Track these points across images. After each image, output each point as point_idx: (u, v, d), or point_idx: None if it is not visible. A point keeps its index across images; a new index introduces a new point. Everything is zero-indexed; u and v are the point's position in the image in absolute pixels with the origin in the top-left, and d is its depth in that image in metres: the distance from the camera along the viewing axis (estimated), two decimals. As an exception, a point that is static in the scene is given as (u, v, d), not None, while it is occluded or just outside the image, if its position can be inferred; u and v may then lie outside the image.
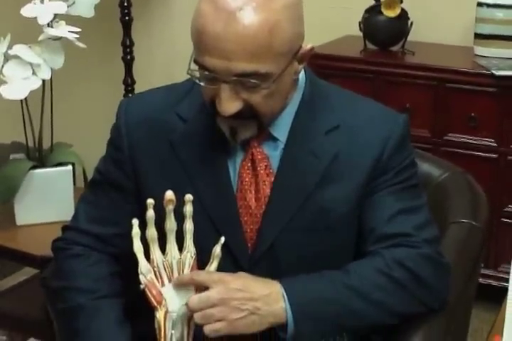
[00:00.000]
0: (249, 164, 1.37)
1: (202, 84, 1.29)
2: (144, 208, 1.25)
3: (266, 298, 1.24)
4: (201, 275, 1.24)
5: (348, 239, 1.40)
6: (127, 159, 1.41)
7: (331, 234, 1.38)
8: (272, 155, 1.38)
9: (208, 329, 1.20)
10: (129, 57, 2.70)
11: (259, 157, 1.37)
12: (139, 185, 1.41)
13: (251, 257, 1.36)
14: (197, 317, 1.20)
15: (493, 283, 2.41)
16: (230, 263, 1.33)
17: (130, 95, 2.69)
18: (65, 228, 1.49)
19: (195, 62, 1.26)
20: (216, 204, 1.36)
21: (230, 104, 1.26)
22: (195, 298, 1.21)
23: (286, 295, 1.26)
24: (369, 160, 1.36)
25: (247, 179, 1.37)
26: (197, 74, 1.28)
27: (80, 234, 1.44)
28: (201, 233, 1.28)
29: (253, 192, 1.37)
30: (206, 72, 1.25)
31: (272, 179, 1.37)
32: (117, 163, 1.43)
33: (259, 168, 1.37)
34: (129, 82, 2.72)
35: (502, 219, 2.53)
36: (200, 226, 1.28)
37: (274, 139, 1.38)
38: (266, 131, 1.37)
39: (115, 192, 1.43)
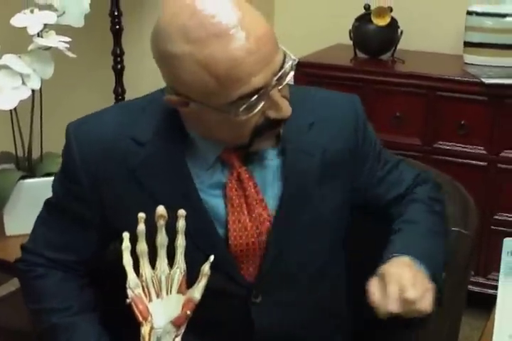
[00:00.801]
0: (236, 185, 1.34)
1: (251, 114, 1.20)
2: (120, 230, 1.21)
3: (418, 273, 1.26)
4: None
5: (340, 229, 1.44)
6: (87, 192, 1.35)
7: (328, 230, 1.40)
8: (264, 167, 1.35)
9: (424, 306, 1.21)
10: (119, 66, 2.70)
11: (247, 176, 1.34)
12: (104, 216, 1.35)
13: (259, 272, 1.36)
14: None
15: (484, 290, 2.42)
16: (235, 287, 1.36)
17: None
18: (24, 248, 1.45)
19: (233, 103, 1.18)
20: (198, 232, 1.31)
21: (287, 104, 1.24)
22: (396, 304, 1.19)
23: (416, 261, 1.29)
24: (349, 146, 1.41)
25: (237, 201, 1.34)
26: (243, 114, 1.20)
27: (38, 257, 1.42)
28: (192, 261, 1.23)
29: (246, 212, 1.34)
30: (253, 98, 1.18)
31: (260, 197, 1.34)
32: (76, 196, 1.36)
33: (248, 188, 1.34)
34: (119, 91, 2.72)
35: (492, 227, 2.54)
36: (190, 254, 1.23)
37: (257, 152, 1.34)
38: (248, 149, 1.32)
39: (75, 220, 1.38)
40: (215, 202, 1.34)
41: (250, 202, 1.34)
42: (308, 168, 1.36)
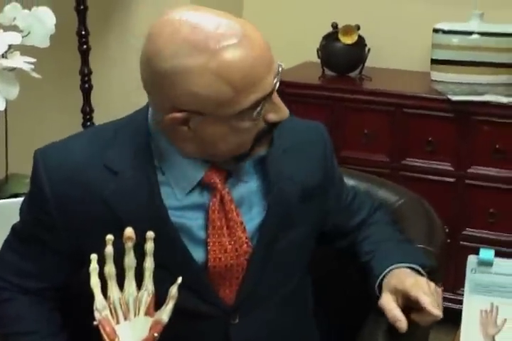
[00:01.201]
0: (218, 208, 1.33)
1: (261, 115, 1.22)
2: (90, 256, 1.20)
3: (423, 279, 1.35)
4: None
5: (309, 254, 1.46)
6: (56, 221, 1.32)
7: (300, 254, 1.43)
8: (244, 189, 1.35)
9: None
10: (87, 85, 2.69)
11: (229, 198, 1.33)
12: (73, 243, 1.33)
13: (237, 297, 1.37)
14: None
15: (453, 306, 2.41)
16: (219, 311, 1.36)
17: (88, 124, 2.68)
18: None
19: (244, 110, 1.19)
20: (172, 258, 1.30)
21: (284, 105, 1.25)
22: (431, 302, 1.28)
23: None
24: (320, 173, 1.43)
25: (219, 223, 1.33)
26: (255, 119, 1.22)
27: (3, 282, 1.39)
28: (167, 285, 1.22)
29: (226, 234, 1.33)
30: (261, 103, 1.20)
31: (240, 219, 1.34)
32: (45, 225, 1.33)
33: (230, 210, 1.33)
34: (87, 111, 2.70)
35: (460, 242, 2.56)
36: (164, 279, 1.21)
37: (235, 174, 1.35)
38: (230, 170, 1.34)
39: (44, 248, 1.35)
40: (193, 224, 1.33)
41: (232, 224, 1.33)
42: (290, 192, 1.37)
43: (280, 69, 1.23)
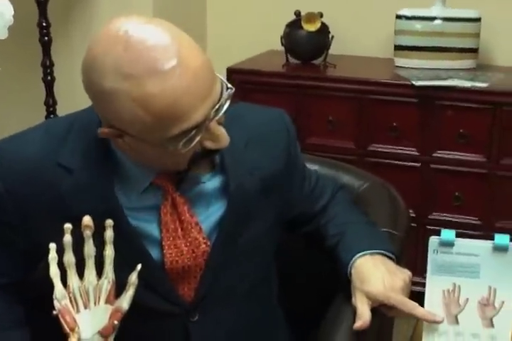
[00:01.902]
0: (170, 210, 1.31)
1: (189, 147, 1.18)
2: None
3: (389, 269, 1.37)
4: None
5: (272, 246, 1.44)
6: (12, 217, 1.29)
7: (262, 248, 1.41)
8: (200, 189, 1.33)
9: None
10: (49, 77, 2.66)
11: (181, 200, 1.31)
12: (31, 239, 1.30)
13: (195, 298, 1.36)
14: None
15: (422, 289, 2.43)
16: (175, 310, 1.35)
17: (52, 116, 2.65)
18: None
19: (171, 138, 1.16)
20: (131, 256, 1.26)
21: (225, 134, 1.21)
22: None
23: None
24: (283, 162, 1.41)
25: (172, 226, 1.31)
26: (182, 148, 1.18)
27: None
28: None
29: (181, 236, 1.32)
30: (192, 132, 1.16)
31: (195, 220, 1.32)
32: (3, 223, 1.30)
33: (183, 212, 1.31)
34: (50, 103, 2.68)
35: (427, 226, 2.57)
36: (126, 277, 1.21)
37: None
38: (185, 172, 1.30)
39: (2, 245, 1.32)
40: (148, 225, 1.31)
41: (185, 226, 1.32)
42: (249, 188, 1.35)
43: (227, 94, 1.19)
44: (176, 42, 1.14)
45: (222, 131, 1.21)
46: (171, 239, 1.31)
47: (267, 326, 1.49)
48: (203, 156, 1.24)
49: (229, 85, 1.20)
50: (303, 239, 1.56)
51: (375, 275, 1.34)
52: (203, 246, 1.33)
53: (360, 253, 1.39)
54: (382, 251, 1.40)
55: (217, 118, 1.18)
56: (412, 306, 1.31)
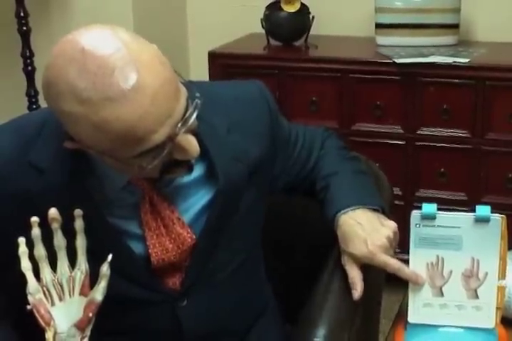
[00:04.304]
0: (149, 209, 1.29)
1: (155, 163, 1.15)
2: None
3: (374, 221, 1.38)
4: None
5: (259, 222, 1.45)
6: None
7: (249, 230, 1.41)
8: (181, 182, 1.31)
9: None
10: (29, 68, 2.65)
11: (159, 199, 1.29)
12: (6, 252, 1.23)
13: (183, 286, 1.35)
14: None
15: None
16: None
17: (34, 106, 2.64)
18: None
19: (135, 157, 1.14)
20: (114, 254, 1.22)
21: (194, 145, 1.18)
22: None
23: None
24: (268, 140, 1.40)
25: (154, 224, 1.30)
26: (147, 164, 1.15)
27: None
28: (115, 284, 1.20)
29: (165, 234, 1.30)
30: (155, 151, 1.13)
31: (177, 215, 1.31)
32: None
33: (163, 209, 1.30)
34: (32, 94, 2.67)
35: (414, 203, 2.57)
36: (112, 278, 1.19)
37: None
38: None
39: None
40: (128, 223, 1.30)
41: (167, 223, 1.30)
42: (236, 174, 1.34)
43: (194, 105, 1.15)
44: (134, 62, 1.09)
45: (190, 142, 1.17)
46: (155, 237, 1.30)
47: (256, 303, 1.50)
48: (175, 165, 1.21)
49: (197, 94, 1.17)
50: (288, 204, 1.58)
51: (358, 235, 1.35)
52: (189, 240, 1.32)
53: (342, 211, 1.39)
54: (364, 205, 1.39)
55: (184, 130, 1.15)
56: (395, 267, 1.32)
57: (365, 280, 1.35)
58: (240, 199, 1.36)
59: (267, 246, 1.51)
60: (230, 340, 1.45)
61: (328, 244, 1.44)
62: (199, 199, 1.34)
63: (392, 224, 1.37)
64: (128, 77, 1.08)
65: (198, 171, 1.32)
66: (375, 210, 1.40)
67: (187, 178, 1.31)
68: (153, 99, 1.10)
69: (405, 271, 1.31)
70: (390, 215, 1.45)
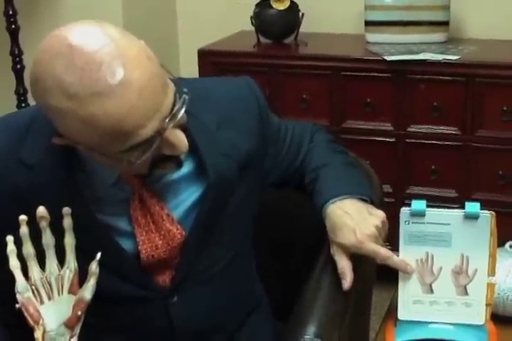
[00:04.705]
0: (139, 206, 1.29)
1: (144, 158, 1.15)
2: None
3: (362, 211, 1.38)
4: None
5: (250, 218, 1.44)
6: None
7: (240, 224, 1.40)
8: (170, 179, 1.30)
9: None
10: (18, 66, 2.64)
11: (149, 195, 1.29)
12: None
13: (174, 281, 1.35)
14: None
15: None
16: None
17: (23, 105, 2.63)
18: None
19: (124, 152, 1.14)
20: (102, 252, 1.20)
21: (183, 139, 1.18)
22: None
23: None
24: (257, 136, 1.39)
25: (143, 221, 1.30)
26: (136, 159, 1.15)
27: None
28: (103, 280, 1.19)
29: (154, 230, 1.30)
30: (143, 146, 1.14)
31: (166, 212, 1.31)
32: None
33: (152, 206, 1.30)
34: (21, 92, 2.66)
35: (405, 201, 2.57)
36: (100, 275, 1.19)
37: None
38: None
39: None
40: (117, 219, 1.30)
41: (156, 219, 1.30)
42: (226, 170, 1.33)
43: (182, 100, 1.16)
44: (122, 57, 1.09)
45: (179, 137, 1.18)
46: (144, 233, 1.30)
47: (247, 299, 1.49)
48: (165, 160, 1.21)
49: (184, 90, 1.17)
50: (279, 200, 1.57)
51: (346, 225, 1.35)
52: (178, 236, 1.32)
53: (330, 201, 1.39)
54: (352, 195, 1.39)
55: (172, 125, 1.15)
56: (384, 255, 1.32)
57: (354, 270, 1.35)
58: (231, 195, 1.35)
59: (260, 243, 1.51)
60: (222, 337, 1.44)
61: (321, 238, 1.44)
62: (189, 196, 1.33)
63: (380, 214, 1.37)
64: (115, 72, 1.08)
65: (187, 167, 1.32)
66: (363, 200, 1.40)
67: (177, 174, 1.31)
68: (140, 94, 1.10)
69: (394, 259, 1.31)
70: (379, 208, 1.45)
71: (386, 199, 1.72)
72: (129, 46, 1.12)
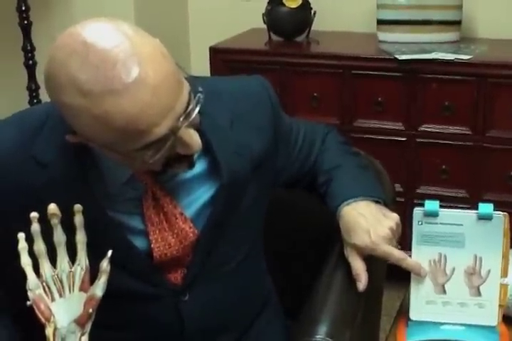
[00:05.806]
0: (152, 204, 1.29)
1: (158, 156, 1.16)
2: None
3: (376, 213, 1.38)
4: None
5: (261, 216, 1.45)
6: None
7: (251, 224, 1.41)
8: (183, 177, 1.31)
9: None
10: (31, 62, 2.64)
11: (162, 193, 1.29)
12: (7, 247, 1.21)
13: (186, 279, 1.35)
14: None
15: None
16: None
17: (35, 101, 2.64)
18: None
19: (138, 150, 1.14)
20: (114, 249, 1.19)
21: (196, 139, 1.18)
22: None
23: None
24: (270, 135, 1.40)
25: (156, 219, 1.30)
26: (150, 158, 1.16)
27: None
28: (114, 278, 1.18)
29: (167, 228, 1.30)
30: (157, 144, 1.13)
31: (179, 210, 1.31)
32: None
33: (165, 205, 1.30)
34: (33, 88, 2.66)
35: (415, 200, 2.57)
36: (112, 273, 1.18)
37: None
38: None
39: None
40: (130, 218, 1.30)
41: (170, 218, 1.30)
42: (239, 169, 1.33)
43: (197, 99, 1.16)
44: (136, 55, 1.09)
45: (193, 137, 1.18)
46: (157, 232, 1.30)
47: (257, 297, 1.50)
48: (178, 159, 1.21)
49: (199, 89, 1.18)
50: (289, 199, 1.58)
51: (361, 226, 1.35)
52: (191, 235, 1.32)
53: (345, 202, 1.39)
54: (366, 197, 1.40)
55: (186, 124, 1.15)
56: (398, 257, 1.32)
57: (368, 271, 1.35)
58: (243, 193, 1.35)
59: (269, 241, 1.51)
60: (231, 335, 1.45)
61: (331, 237, 1.44)
62: (202, 194, 1.34)
63: (395, 216, 1.38)
64: (130, 70, 1.08)
65: (201, 166, 1.32)
66: (377, 202, 1.40)
67: (190, 173, 1.31)
68: (155, 92, 1.10)
69: (408, 261, 1.31)
70: (391, 210, 1.45)
71: (396, 199, 1.71)
72: (143, 44, 1.12)
